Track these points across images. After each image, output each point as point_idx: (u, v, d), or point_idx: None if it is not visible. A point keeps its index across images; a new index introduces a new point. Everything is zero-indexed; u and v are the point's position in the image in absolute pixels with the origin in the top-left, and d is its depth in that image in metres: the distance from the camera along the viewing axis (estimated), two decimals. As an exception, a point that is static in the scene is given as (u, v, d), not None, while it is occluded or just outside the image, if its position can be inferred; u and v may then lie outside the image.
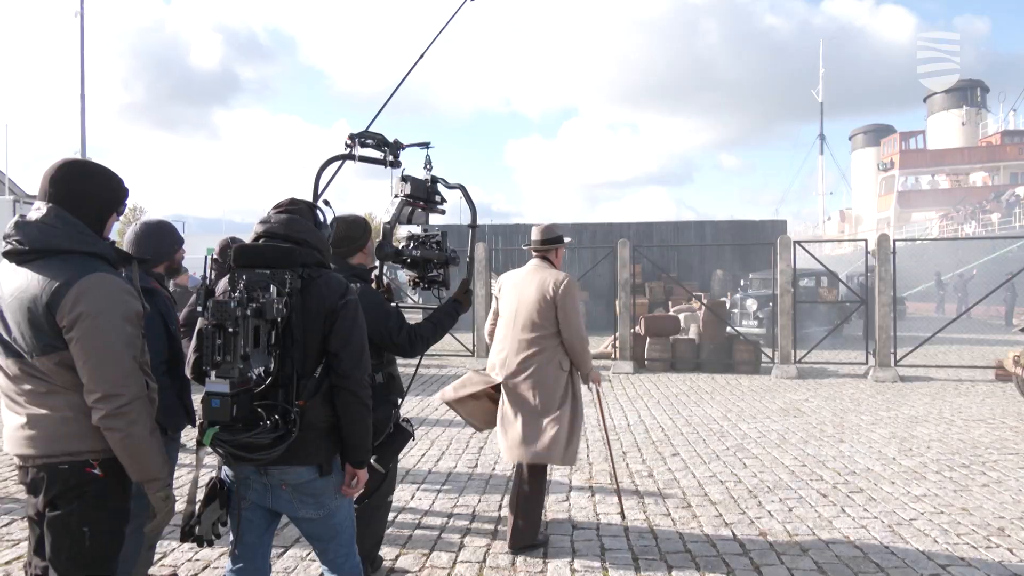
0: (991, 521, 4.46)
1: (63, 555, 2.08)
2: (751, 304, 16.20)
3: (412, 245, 3.37)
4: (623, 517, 4.55)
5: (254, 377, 2.19)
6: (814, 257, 12.35)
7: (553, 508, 4.76)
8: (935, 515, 4.58)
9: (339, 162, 3.22)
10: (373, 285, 3.10)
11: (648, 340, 12.08)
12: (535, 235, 4.10)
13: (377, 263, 3.33)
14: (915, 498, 4.93)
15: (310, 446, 2.31)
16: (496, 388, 3.97)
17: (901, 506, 4.76)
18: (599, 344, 14.70)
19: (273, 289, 2.19)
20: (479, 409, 4.01)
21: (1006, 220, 30.55)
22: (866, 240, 12.61)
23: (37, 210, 2.09)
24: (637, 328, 12.35)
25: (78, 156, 1.84)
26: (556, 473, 5.60)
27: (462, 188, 3.61)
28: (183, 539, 2.27)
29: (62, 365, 2.04)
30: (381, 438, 3.03)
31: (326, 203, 2.81)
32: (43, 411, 2.06)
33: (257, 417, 2.19)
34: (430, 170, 3.43)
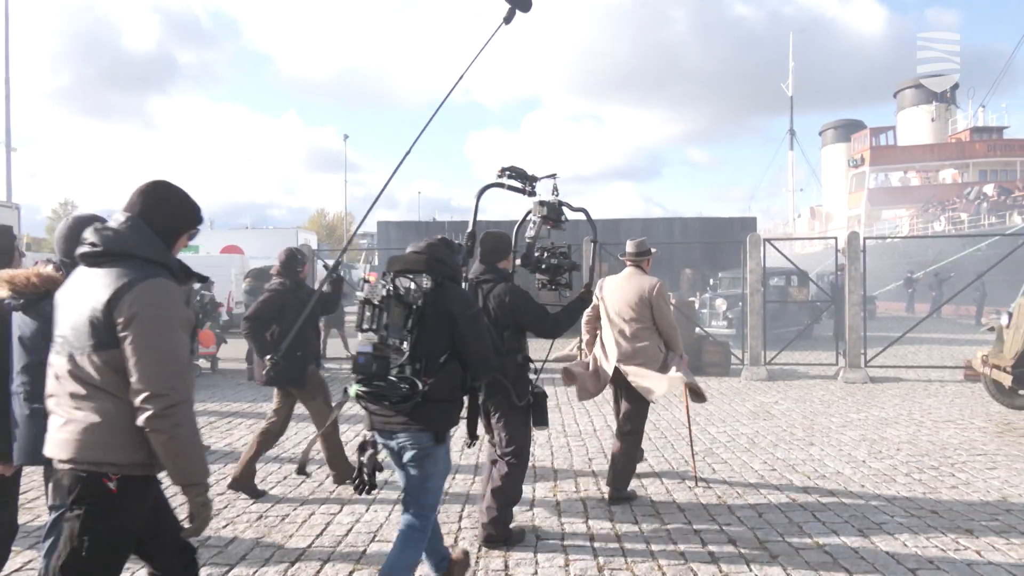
0: (960, 523, 4.62)
1: (62, 557, 2.22)
2: (720, 304, 16.48)
3: (547, 255, 4.47)
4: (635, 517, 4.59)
5: (392, 345, 3.01)
6: (784, 256, 12.63)
7: (517, 518, 4.77)
8: (905, 518, 4.72)
9: (485, 191, 4.25)
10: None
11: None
12: (630, 248, 5.30)
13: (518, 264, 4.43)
14: (885, 501, 5.08)
15: (430, 415, 3.09)
16: (585, 366, 5.36)
17: (871, 510, 4.90)
18: (565, 346, 14.77)
19: (411, 284, 3.14)
20: (589, 382, 5.28)
21: (975, 218, 31.61)
22: (836, 238, 12.93)
23: (116, 218, 2.34)
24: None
25: (166, 179, 2.10)
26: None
27: (585, 211, 4.70)
28: (341, 482, 3.41)
29: (109, 364, 2.17)
30: (522, 403, 4.07)
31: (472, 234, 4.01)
32: (79, 414, 2.20)
33: (393, 383, 3.00)
34: (557, 195, 4.42)
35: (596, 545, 4.30)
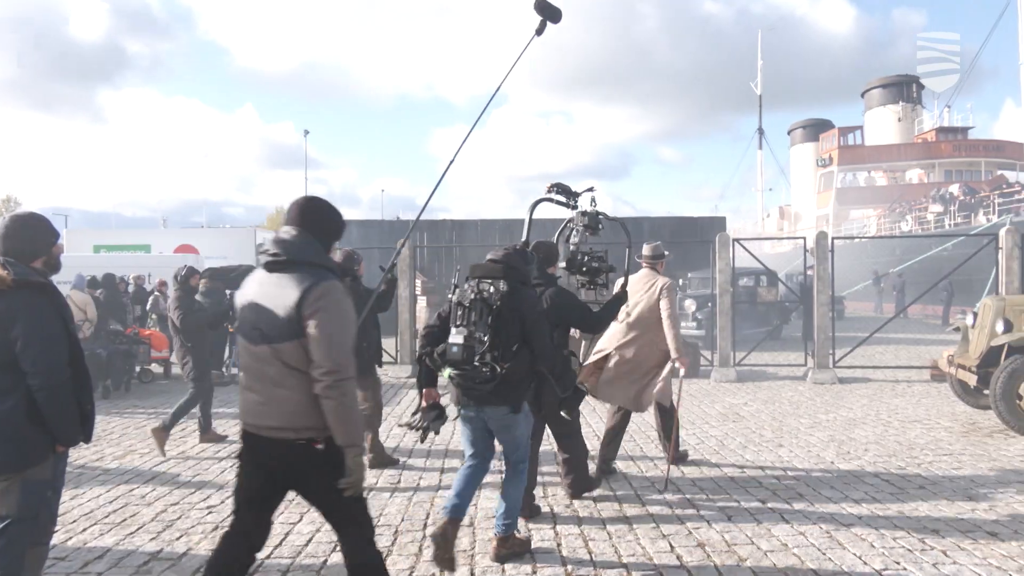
0: (926, 523, 4.74)
1: (327, 509, 2.93)
2: (689, 304, 16.65)
3: (588, 259, 5.17)
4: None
5: (477, 338, 3.85)
6: (753, 256, 12.81)
7: (482, 525, 4.77)
8: (872, 519, 4.83)
9: (537, 204, 5.19)
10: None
11: (584, 343, 12.22)
12: (646, 251, 6.06)
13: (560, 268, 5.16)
14: (853, 502, 5.19)
15: (507, 393, 3.91)
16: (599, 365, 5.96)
17: (839, 511, 5.00)
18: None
19: (491, 288, 3.90)
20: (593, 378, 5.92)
21: (941, 219, 32.42)
22: (804, 238, 13.16)
23: (288, 232, 2.89)
24: (572, 331, 12.48)
25: (317, 196, 2.81)
26: (485, 489, 5.62)
27: (621, 221, 5.46)
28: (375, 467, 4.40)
29: (300, 349, 2.72)
30: (567, 393, 4.54)
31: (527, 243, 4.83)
32: (280, 392, 2.77)
33: (477, 368, 3.82)
34: (595, 206, 5.21)
35: (564, 552, 4.31)
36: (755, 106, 58.51)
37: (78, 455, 6.54)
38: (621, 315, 5.63)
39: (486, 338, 3.85)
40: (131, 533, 4.70)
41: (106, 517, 5.02)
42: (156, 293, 13.99)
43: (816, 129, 52.29)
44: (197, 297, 7.75)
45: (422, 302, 18.60)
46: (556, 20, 4.77)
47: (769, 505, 5.15)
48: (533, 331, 3.96)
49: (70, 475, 5.69)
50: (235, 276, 11.84)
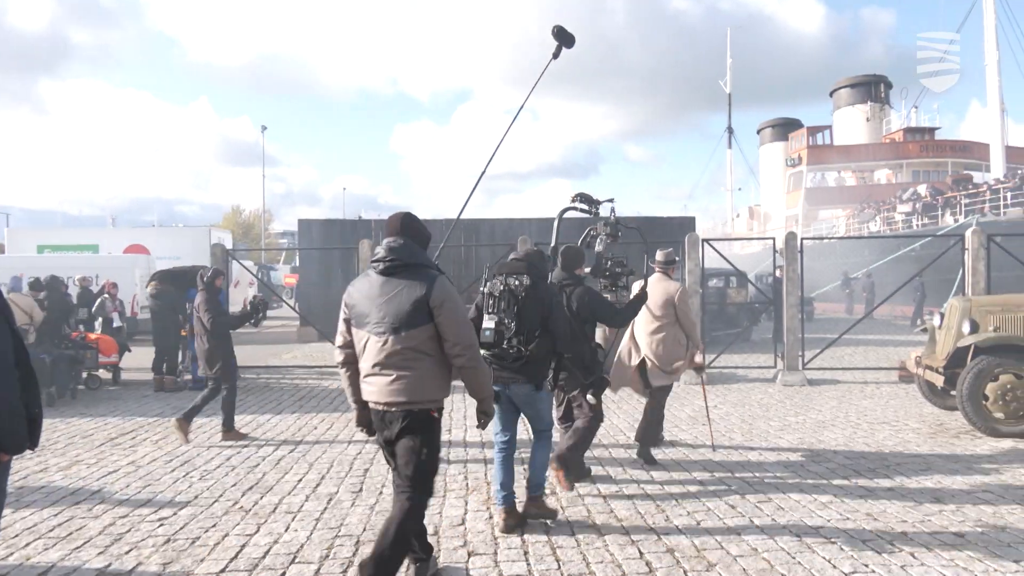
0: (895, 526, 4.84)
1: (410, 469, 3.61)
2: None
3: (612, 264, 5.93)
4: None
5: (506, 324, 4.61)
6: (723, 256, 12.97)
7: (447, 534, 4.77)
8: (841, 522, 4.92)
9: (565, 212, 6.07)
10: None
11: (610, 337, 12.22)
12: (659, 257, 6.83)
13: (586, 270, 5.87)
14: (822, 505, 5.28)
15: (531, 371, 4.71)
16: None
17: (808, 514, 5.09)
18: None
19: (516, 282, 4.70)
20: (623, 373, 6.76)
21: (909, 219, 33.18)
22: (774, 239, 13.36)
23: (396, 241, 3.66)
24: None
25: (410, 211, 3.95)
26: (451, 496, 5.61)
27: (639, 230, 6.21)
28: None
29: (425, 334, 3.55)
30: (593, 378, 5.43)
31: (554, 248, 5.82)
32: (407, 372, 3.55)
33: (505, 350, 4.62)
34: (614, 214, 6.03)
35: (531, 560, 4.32)
36: (724, 104, 59.35)
37: (21, 465, 6.38)
38: (639, 323, 6.57)
39: (513, 324, 4.63)
40: (77, 548, 4.60)
41: (51, 531, 4.91)
42: (105, 295, 13.68)
43: (785, 128, 53.09)
44: (146, 301, 7.69)
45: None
46: (570, 46, 5.51)
47: (739, 509, 5.22)
48: (551, 317, 4.78)
49: (11, 487, 5.55)
50: (190, 278, 11.65)
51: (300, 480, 6.09)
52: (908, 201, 33.64)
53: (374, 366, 3.63)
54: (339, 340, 3.84)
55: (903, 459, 6.61)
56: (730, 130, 59.70)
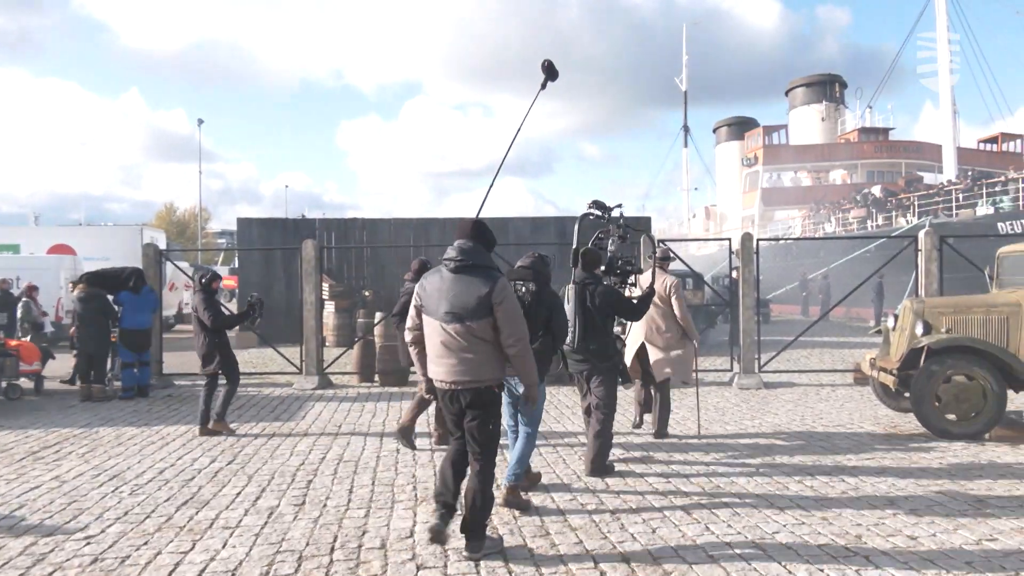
0: (849, 529, 4.97)
1: (480, 438, 4.48)
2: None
3: (622, 263, 6.75)
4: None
5: None
6: (679, 258, 13.15)
7: (395, 547, 4.73)
8: (797, 527, 5.03)
9: (584, 219, 6.97)
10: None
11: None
12: (657, 255, 8.01)
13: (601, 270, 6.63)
14: (778, 510, 5.40)
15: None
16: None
17: (764, 519, 5.19)
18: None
19: (523, 288, 5.43)
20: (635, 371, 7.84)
21: (864, 220, 34.14)
22: (730, 239, 13.60)
23: (466, 244, 4.45)
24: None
25: (480, 218, 4.83)
26: (399, 507, 5.58)
27: (647, 233, 8.08)
28: (442, 443, 6.76)
29: (487, 325, 4.32)
30: (615, 368, 6.55)
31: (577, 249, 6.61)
32: (469, 356, 4.35)
33: None
34: (622, 217, 6.97)
35: (482, 572, 4.31)
36: (680, 102, 60.32)
37: (-68, 483, 6.12)
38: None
39: None
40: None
41: (-35, 553, 4.72)
42: (26, 299, 13.24)
43: (741, 127, 54.11)
44: (73, 304, 7.50)
45: (330, 307, 18.28)
46: (555, 79, 6.24)
47: (694, 516, 5.29)
48: (554, 317, 5.57)
49: (-78, 507, 5.33)
50: (121, 280, 11.34)
51: (239, 493, 5.98)
52: (863, 203, 34.61)
53: (442, 350, 4.43)
54: (410, 323, 4.69)
55: (858, 462, 6.79)
56: (686, 128, 60.75)
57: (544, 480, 6.24)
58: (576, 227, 6.91)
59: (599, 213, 6.87)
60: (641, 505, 5.56)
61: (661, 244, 8.10)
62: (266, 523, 5.24)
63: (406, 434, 7.43)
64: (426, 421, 8.24)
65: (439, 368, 4.46)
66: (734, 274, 14.65)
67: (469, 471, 4.58)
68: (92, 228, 30.04)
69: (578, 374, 6.54)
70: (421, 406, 7.40)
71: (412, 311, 4.66)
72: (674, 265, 15.05)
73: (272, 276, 20.22)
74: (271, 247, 20.07)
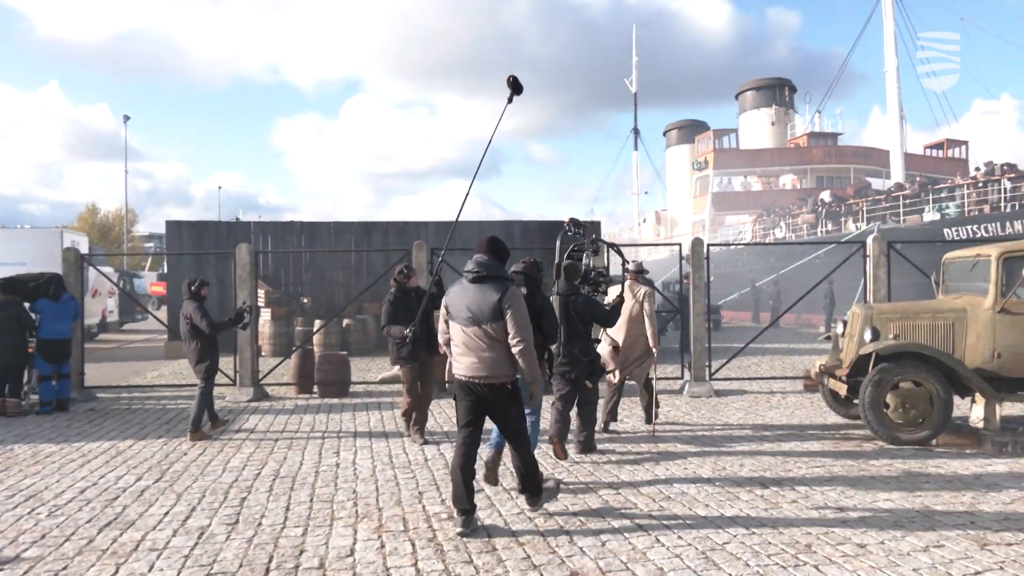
0: (799, 538, 5.09)
1: (506, 425, 5.49)
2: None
3: (596, 274, 7.61)
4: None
5: None
6: (629, 262, 13.30)
7: (334, 566, 4.68)
8: (747, 536, 5.13)
9: (564, 235, 7.74)
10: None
11: (448, 359, 12.24)
12: (632, 267, 8.84)
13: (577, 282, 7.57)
14: (728, 520, 5.50)
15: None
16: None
17: (715, 530, 5.28)
18: (394, 366, 14.64)
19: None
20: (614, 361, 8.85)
21: (814, 226, 35.05)
22: (680, 244, 13.83)
23: (483, 258, 5.38)
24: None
25: (495, 235, 5.70)
26: (338, 524, 5.52)
27: (616, 247, 8.45)
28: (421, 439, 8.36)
29: (500, 327, 5.19)
30: (594, 367, 7.59)
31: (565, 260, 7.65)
32: (487, 354, 5.24)
33: None
34: (596, 234, 10.30)
35: (426, 590, 4.29)
36: (630, 104, 61.01)
37: None
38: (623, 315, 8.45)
39: None
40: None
41: None
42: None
43: (692, 131, 55.11)
44: None
45: (266, 315, 18.00)
46: (520, 94, 6.67)
47: (644, 527, 5.36)
48: (544, 317, 6.27)
49: None
50: (39, 286, 10.98)
51: (167, 513, 5.84)
52: (812, 208, 35.55)
53: (463, 348, 5.36)
54: (440, 327, 5.76)
55: (808, 470, 6.96)
56: (636, 131, 61.47)
57: (488, 491, 6.25)
58: (558, 243, 7.82)
59: (578, 231, 7.82)
60: (590, 519, 5.60)
61: (633, 261, 9.10)
62: (196, 544, 5.13)
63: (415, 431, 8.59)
64: (392, 422, 8.15)
65: (460, 364, 5.40)
66: (685, 280, 14.90)
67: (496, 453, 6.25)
68: (7, 231, 28.98)
69: (561, 375, 7.41)
70: (412, 401, 8.45)
71: (442, 319, 5.67)
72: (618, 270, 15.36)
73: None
74: (203, 251, 19.68)
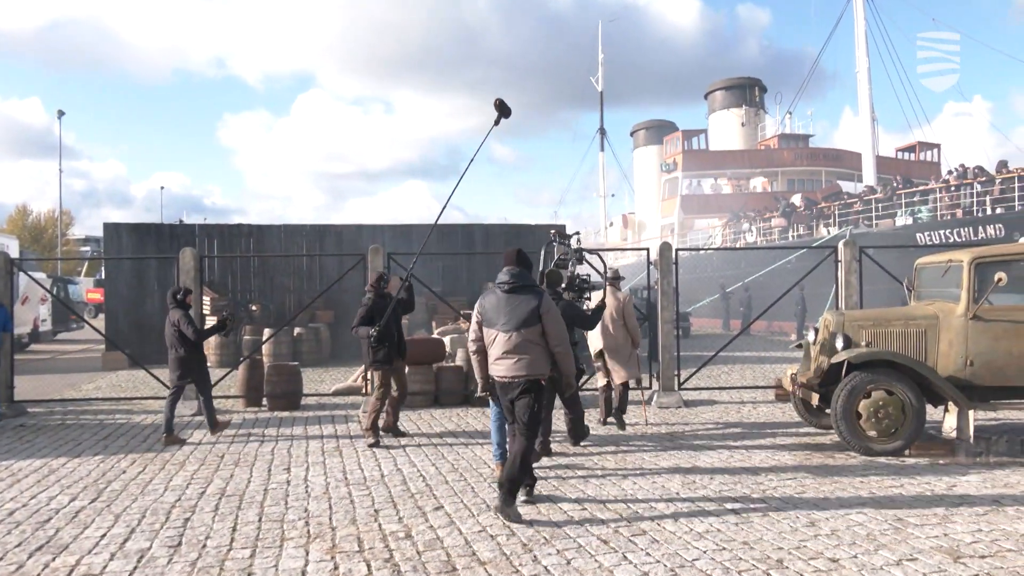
0: (770, 553, 5.15)
1: (525, 417, 6.11)
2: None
3: (580, 281, 8.60)
4: None
5: None
6: (594, 268, 13.37)
7: (284, 589, 4.62)
8: (717, 552, 5.19)
9: (549, 245, 8.80)
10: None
11: (407, 369, 12.21)
12: (611, 275, 10.04)
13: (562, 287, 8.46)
14: (697, 535, 5.55)
15: None
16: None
17: (684, 546, 5.32)
18: (347, 377, 14.55)
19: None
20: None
21: (785, 230, 35.60)
22: (648, 249, 13.92)
23: (514, 269, 6.25)
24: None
25: (520, 248, 6.54)
26: (289, 545, 5.46)
27: (599, 255, 10.52)
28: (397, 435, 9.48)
29: (535, 331, 6.06)
30: (577, 367, 7.65)
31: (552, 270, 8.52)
32: (527, 356, 6.06)
33: None
34: (580, 242, 9.90)
35: (382, 613, 4.27)
36: (596, 103, 61.39)
37: None
38: (601, 322, 9.28)
39: None
40: None
41: None
42: None
43: (660, 131, 55.60)
44: None
45: (211, 323, 17.74)
46: (508, 116, 7.98)
47: (611, 544, 5.38)
48: (551, 322, 6.56)
49: None
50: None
51: (104, 535, 5.73)
52: (783, 212, 36.10)
53: (503, 352, 6.12)
54: (472, 335, 6.39)
55: (779, 482, 7.05)
56: (602, 131, 61.90)
57: (448, 508, 6.23)
58: (543, 252, 8.86)
59: (562, 241, 8.87)
60: (555, 534, 5.61)
61: (612, 269, 10.31)
62: (136, 568, 5.03)
63: (395, 433, 9.52)
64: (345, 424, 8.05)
65: (500, 367, 6.16)
66: (653, 285, 15.02)
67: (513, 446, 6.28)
68: (-72, 234, 28.23)
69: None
70: (382, 402, 9.21)
71: (474, 325, 6.36)
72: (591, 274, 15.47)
73: (145, 289, 19.51)
74: (144, 256, 19.36)
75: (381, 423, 9.35)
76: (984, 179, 26.22)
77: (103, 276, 29.20)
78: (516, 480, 6.04)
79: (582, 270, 9.36)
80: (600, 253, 9.35)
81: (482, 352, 6.32)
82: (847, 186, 43.00)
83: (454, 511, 6.23)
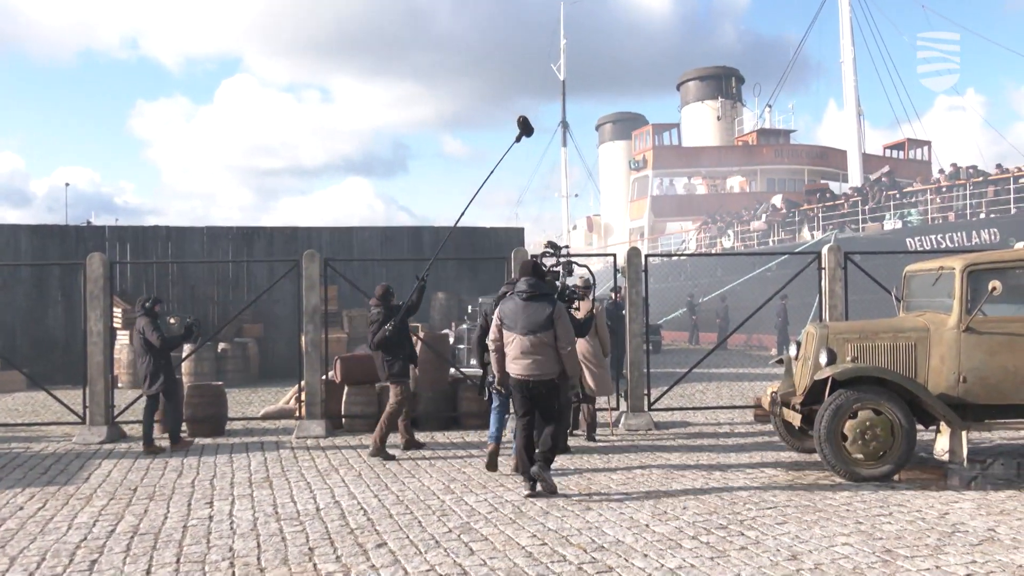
0: (749, 590, 5.21)
1: (549, 413, 7.98)
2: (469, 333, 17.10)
3: (571, 292, 9.40)
4: None
5: None
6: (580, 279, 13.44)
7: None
8: (691, 590, 5.22)
9: (545, 255, 9.89)
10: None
11: (346, 390, 12.15)
12: (580, 283, 10.77)
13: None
14: (669, 572, 5.59)
15: None
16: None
17: (654, 583, 5.36)
18: (278, 398, 14.40)
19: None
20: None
21: (765, 235, 36.12)
22: (615, 255, 14.01)
23: (531, 279, 8.04)
24: (331, 373, 12.34)
25: (533, 258, 8.40)
26: (211, 588, 5.38)
27: (588, 268, 10.71)
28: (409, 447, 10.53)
29: (550, 335, 7.84)
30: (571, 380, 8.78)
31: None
32: (541, 357, 7.83)
33: None
34: (568, 253, 10.40)
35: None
36: (558, 93, 61.79)
37: None
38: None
39: None
40: None
41: None
42: None
43: (628, 125, 55.97)
44: None
45: (123, 338, 17.44)
46: (530, 135, 9.84)
47: (574, 583, 5.40)
48: (562, 325, 7.95)
49: None
50: None
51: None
52: (763, 215, 36.60)
53: (520, 353, 7.74)
54: (492, 336, 8.05)
55: (758, 512, 7.14)
56: (565, 124, 62.34)
57: (392, 545, 6.20)
58: (538, 258, 9.84)
59: (552, 252, 9.96)
60: (511, 572, 5.61)
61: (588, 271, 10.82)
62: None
63: (411, 445, 10.47)
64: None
65: (517, 366, 7.78)
66: (619, 295, 15.12)
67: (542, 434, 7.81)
68: None
69: None
70: (393, 418, 10.04)
71: (494, 327, 8.02)
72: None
73: (46, 299, 19.15)
74: (45, 262, 18.98)
75: (401, 441, 10.39)
76: (978, 180, 26.82)
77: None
78: (549, 453, 7.81)
79: (570, 280, 10.11)
80: (586, 264, 10.38)
81: (500, 351, 7.95)
82: (832, 186, 43.72)
83: (399, 548, 6.20)
